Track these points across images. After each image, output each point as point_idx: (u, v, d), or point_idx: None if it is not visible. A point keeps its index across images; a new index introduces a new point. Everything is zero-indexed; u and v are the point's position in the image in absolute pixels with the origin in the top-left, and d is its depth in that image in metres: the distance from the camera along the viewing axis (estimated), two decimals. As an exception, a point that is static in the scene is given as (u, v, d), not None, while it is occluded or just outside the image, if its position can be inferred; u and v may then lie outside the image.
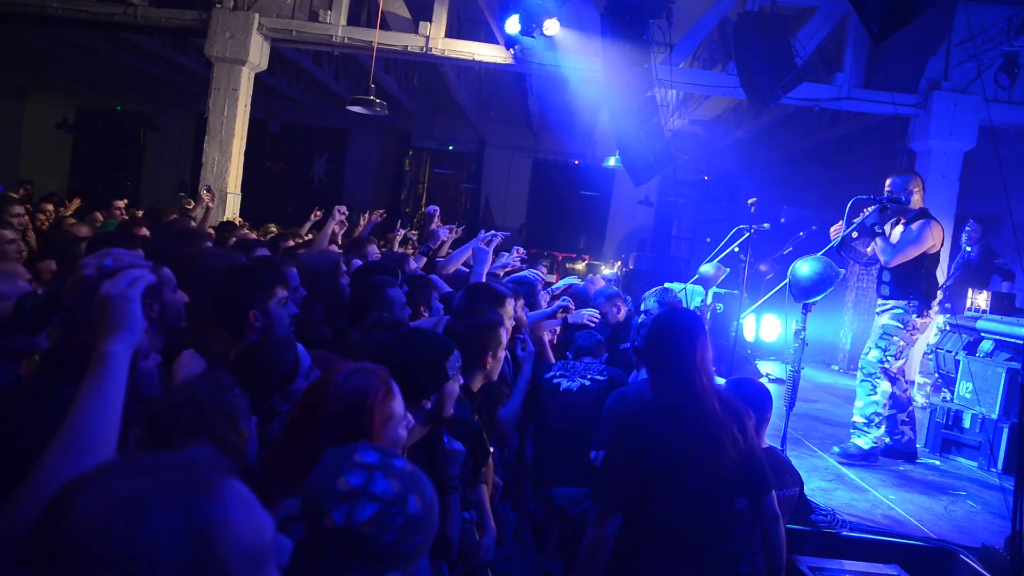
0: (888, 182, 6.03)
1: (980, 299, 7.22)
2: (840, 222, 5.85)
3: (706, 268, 8.00)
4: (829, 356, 11.55)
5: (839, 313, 11.49)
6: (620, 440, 2.93)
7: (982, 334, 6.86)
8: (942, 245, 6.05)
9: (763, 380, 9.22)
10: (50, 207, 8.96)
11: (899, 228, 6.00)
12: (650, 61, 9.28)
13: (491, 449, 3.37)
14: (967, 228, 8.84)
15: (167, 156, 21.05)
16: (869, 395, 5.93)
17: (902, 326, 5.90)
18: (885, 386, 5.90)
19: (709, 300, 8.32)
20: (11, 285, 2.14)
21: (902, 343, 5.92)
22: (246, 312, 2.86)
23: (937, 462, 6.20)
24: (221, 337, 2.95)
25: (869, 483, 5.29)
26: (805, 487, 4.70)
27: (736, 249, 8.01)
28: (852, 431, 6.00)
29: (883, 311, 6.11)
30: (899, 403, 6.01)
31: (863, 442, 5.88)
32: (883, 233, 5.95)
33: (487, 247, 4.79)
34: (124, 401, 1.54)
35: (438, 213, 6.80)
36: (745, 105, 14.55)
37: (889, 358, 5.90)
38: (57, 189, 16.77)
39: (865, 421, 5.90)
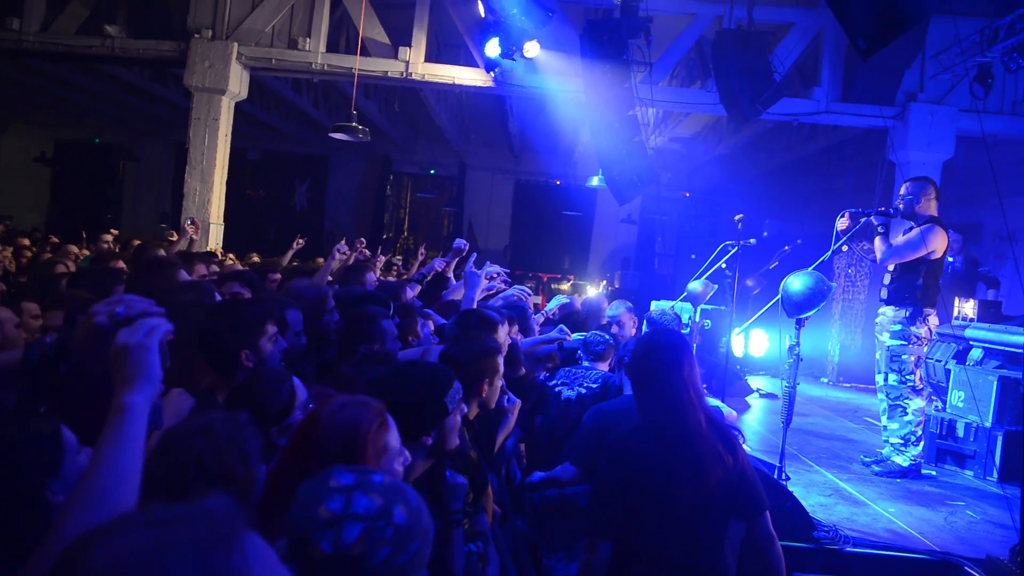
0: (904, 187, 6.09)
1: (967, 307, 7.25)
2: (844, 217, 5.87)
3: (694, 285, 8.00)
4: (818, 369, 11.57)
5: (827, 326, 11.53)
6: (606, 467, 2.88)
7: (971, 342, 6.88)
8: (944, 253, 6.07)
9: (754, 395, 9.25)
10: (26, 241, 8.88)
11: (909, 233, 6.04)
12: (630, 80, 9.33)
13: (489, 479, 3.33)
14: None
15: (147, 187, 20.94)
16: (902, 417, 5.96)
17: (905, 342, 5.92)
18: (916, 404, 5.95)
19: (697, 317, 8.32)
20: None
21: (912, 357, 5.95)
22: (237, 352, 2.79)
23: (933, 472, 6.19)
24: (207, 373, 2.88)
25: (868, 496, 5.27)
26: (804, 502, 4.70)
27: (723, 265, 8.03)
28: (888, 448, 6.03)
29: (881, 328, 6.13)
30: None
31: (902, 460, 5.93)
32: (884, 233, 5.98)
33: (478, 270, 4.78)
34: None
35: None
36: (725, 121, 14.70)
37: (908, 377, 5.94)
38: (36, 223, 16.66)
39: (902, 441, 5.94)
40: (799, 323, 4.69)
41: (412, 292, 5.29)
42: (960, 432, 6.33)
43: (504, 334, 3.54)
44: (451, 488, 2.65)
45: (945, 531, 4.68)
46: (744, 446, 3.05)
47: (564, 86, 10.09)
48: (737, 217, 6.93)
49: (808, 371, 11.42)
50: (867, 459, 6.16)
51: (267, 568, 0.95)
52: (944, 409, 6.72)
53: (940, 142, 10.27)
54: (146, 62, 11.46)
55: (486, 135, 19.31)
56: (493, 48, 9.14)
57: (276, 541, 1.73)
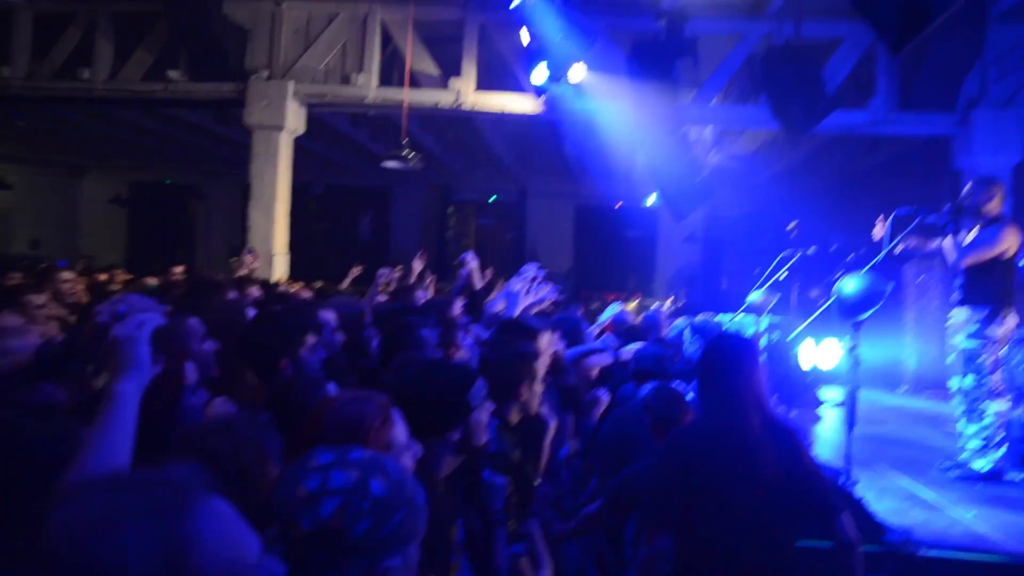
0: (968, 187, 5.95)
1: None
2: (880, 223, 5.75)
3: (754, 296, 7.92)
4: (895, 379, 11.21)
5: (901, 334, 11.19)
6: (666, 459, 2.97)
7: (1052, 345, 6.61)
8: (1017, 252, 5.88)
9: (826, 406, 8.99)
10: (103, 277, 9.27)
11: (973, 233, 5.88)
12: (679, 99, 9.32)
13: (537, 483, 3.34)
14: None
15: (217, 224, 21.59)
16: (980, 421, 5.76)
17: (982, 342, 5.73)
18: (995, 407, 5.74)
19: (762, 328, 8.19)
20: (22, 341, 2.20)
21: (990, 359, 5.75)
22: (277, 359, 2.92)
23: (1017, 478, 5.92)
24: (251, 383, 2.99)
25: (945, 502, 5.08)
26: (876, 507, 4.56)
27: (783, 275, 7.93)
28: (967, 453, 5.83)
29: (955, 330, 5.94)
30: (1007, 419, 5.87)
31: (981, 465, 5.71)
32: (955, 232, 5.82)
33: (518, 285, 4.83)
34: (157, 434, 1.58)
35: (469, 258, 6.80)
36: (783, 138, 14.49)
37: (984, 379, 5.73)
38: (116, 262, 17.27)
39: (982, 444, 5.73)
40: (856, 325, 4.60)
41: (459, 308, 5.35)
42: (1045, 435, 6.05)
43: (546, 342, 3.56)
44: (489, 488, 2.68)
45: (1025, 537, 4.47)
46: None
47: (614, 108, 10.09)
48: (790, 226, 6.82)
49: (884, 381, 11.07)
50: (946, 464, 5.94)
51: (225, 533, 0.99)
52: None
53: (1007, 146, 9.99)
54: (208, 103, 11.89)
55: (544, 161, 19.37)
56: (540, 74, 9.23)
57: None
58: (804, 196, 16.61)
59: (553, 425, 3.70)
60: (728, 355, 2.95)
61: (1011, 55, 9.51)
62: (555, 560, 3.49)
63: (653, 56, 8.89)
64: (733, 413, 2.85)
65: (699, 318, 5.06)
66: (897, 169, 13.57)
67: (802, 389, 8.41)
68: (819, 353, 10.57)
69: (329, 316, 3.91)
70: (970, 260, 5.73)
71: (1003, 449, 5.73)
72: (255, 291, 5.62)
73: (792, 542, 2.85)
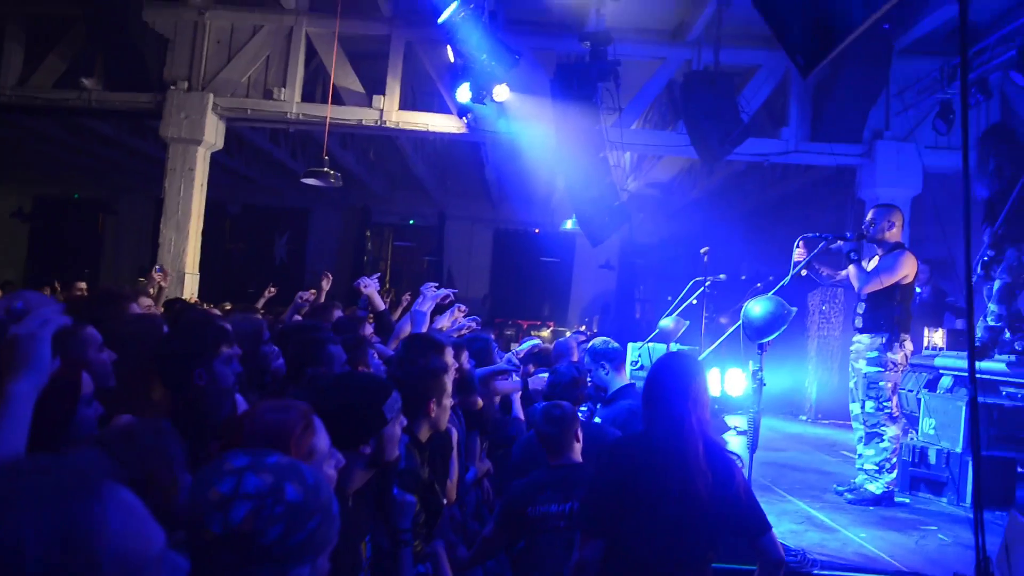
0: (870, 214, 6.20)
1: (936, 337, 7.31)
2: (799, 247, 5.95)
3: (666, 322, 8.02)
4: (796, 407, 11.57)
5: (803, 363, 11.56)
6: (603, 466, 2.99)
7: (940, 371, 6.93)
8: (915, 279, 6.15)
9: (731, 433, 9.21)
10: None
11: (875, 260, 6.11)
12: (600, 123, 9.49)
13: (444, 502, 3.30)
14: None
15: (127, 242, 20.92)
16: (878, 444, 5.96)
17: (882, 369, 5.95)
18: (892, 431, 5.96)
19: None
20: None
21: (889, 384, 5.98)
22: (191, 371, 2.80)
23: (907, 500, 6.18)
24: (156, 397, 2.88)
25: (839, 523, 5.25)
26: (775, 530, 4.67)
27: (694, 301, 8.06)
28: (862, 476, 6.03)
29: (857, 355, 6.15)
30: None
31: (875, 487, 5.92)
32: (857, 260, 6.05)
33: (424, 305, 4.81)
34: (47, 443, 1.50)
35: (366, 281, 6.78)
36: (699, 165, 14.88)
37: (884, 404, 5.95)
38: (13, 279, 16.54)
39: (876, 468, 5.94)
40: (761, 348, 4.71)
41: (368, 328, 5.30)
42: (932, 459, 6.33)
43: (451, 357, 3.53)
44: (399, 505, 2.63)
45: (916, 554, 4.66)
46: None
47: (536, 130, 10.21)
48: (703, 250, 6.98)
49: (786, 409, 11.42)
50: (840, 488, 6.14)
51: (130, 523, 0.94)
52: (916, 437, 6.72)
53: (907, 178, 10.42)
54: (123, 114, 11.54)
55: (464, 185, 19.47)
56: (464, 93, 9.28)
57: None
58: (719, 224, 17.07)
59: (455, 437, 3.67)
60: (676, 377, 2.98)
61: (912, 89, 9.99)
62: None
63: (576, 78, 9.04)
64: (675, 434, 2.88)
65: (597, 341, 5.11)
66: (809, 198, 14.08)
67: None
68: (726, 381, 10.81)
69: (257, 325, 3.84)
70: (873, 286, 5.96)
71: (895, 473, 5.96)
72: (145, 301, 5.43)
73: (710, 562, 2.93)
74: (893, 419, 5.97)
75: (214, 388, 2.59)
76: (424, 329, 4.70)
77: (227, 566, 1.31)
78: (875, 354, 5.98)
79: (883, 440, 5.93)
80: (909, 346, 6.07)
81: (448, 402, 3.14)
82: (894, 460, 5.96)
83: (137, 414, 2.67)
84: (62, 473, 0.92)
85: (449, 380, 3.18)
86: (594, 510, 2.93)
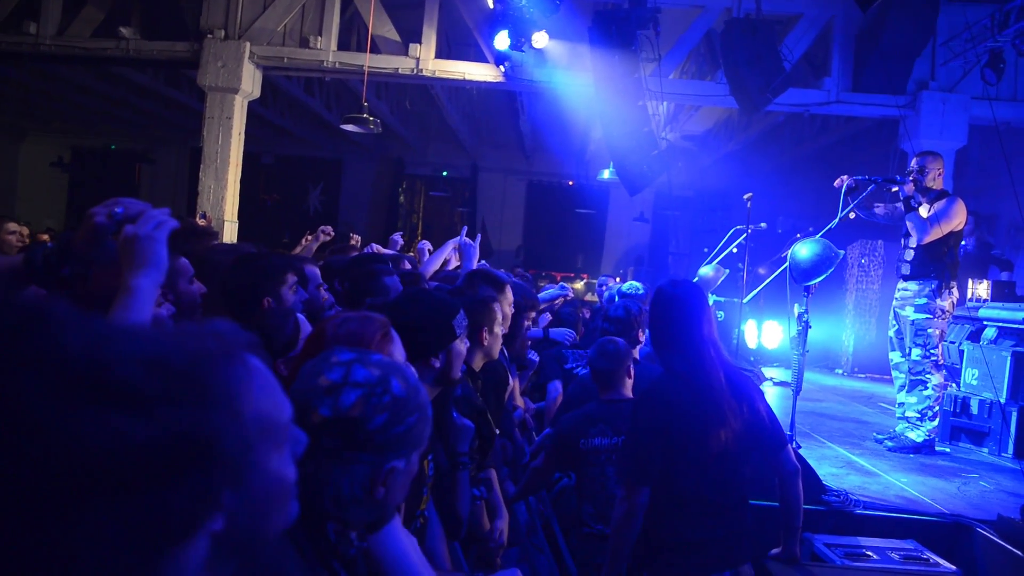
0: (915, 160, 6.13)
1: (980, 289, 7.23)
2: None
3: (705, 270, 8.01)
4: (832, 360, 11.53)
5: (841, 316, 11.49)
6: (642, 414, 2.98)
7: (984, 322, 6.85)
8: (966, 224, 6.09)
9: (768, 384, 9.23)
10: (44, 236, 9.04)
11: (924, 207, 6.04)
12: (639, 71, 9.37)
13: (496, 432, 3.36)
14: None
15: (163, 192, 21.10)
16: (922, 391, 5.94)
17: (931, 315, 5.91)
18: (936, 379, 5.93)
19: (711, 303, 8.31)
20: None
21: (937, 331, 5.94)
22: (260, 298, 2.89)
23: (948, 450, 6.16)
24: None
25: (880, 469, 5.27)
26: (818, 472, 4.71)
27: (735, 250, 8.02)
28: (903, 424, 6.02)
29: (903, 302, 6.11)
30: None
31: (916, 435, 5.91)
32: (917, 208, 5.99)
33: (471, 241, 4.86)
34: None
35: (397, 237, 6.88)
36: (736, 117, 14.69)
37: (932, 351, 5.92)
38: (54, 227, 16.81)
39: (919, 416, 5.92)
40: (807, 290, 4.70)
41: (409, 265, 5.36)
42: (974, 409, 6.30)
43: (511, 294, 3.58)
44: (458, 429, 2.69)
45: (958, 498, 4.67)
46: None
47: (574, 79, 10.11)
48: (746, 196, 6.91)
49: (823, 363, 11.38)
50: (880, 436, 6.15)
51: (268, 386, 0.99)
52: (959, 388, 6.69)
53: (952, 131, 10.23)
54: (160, 63, 11.58)
55: (498, 136, 19.38)
56: (502, 40, 9.19)
57: None
58: (755, 178, 16.87)
59: (513, 383, 3.73)
60: (685, 306, 2.95)
61: (960, 38, 9.75)
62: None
63: (615, 25, 8.92)
64: (698, 368, 2.88)
65: (626, 285, 5.14)
66: (848, 151, 13.88)
67: (745, 368, 8.59)
68: (762, 333, 10.81)
69: (313, 271, 3.85)
70: (933, 235, 5.88)
71: (936, 421, 5.94)
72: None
73: (745, 480, 2.98)
74: (938, 367, 5.95)
75: (279, 310, 2.66)
76: (474, 262, 4.76)
77: (330, 451, 1.37)
78: (924, 300, 5.93)
79: (927, 388, 5.90)
80: (956, 293, 6.02)
81: (499, 331, 3.18)
82: (936, 408, 5.94)
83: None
84: (210, 337, 0.96)
85: (499, 310, 3.23)
86: (641, 461, 2.91)
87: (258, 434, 0.96)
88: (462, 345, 2.52)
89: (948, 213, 5.86)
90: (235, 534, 0.97)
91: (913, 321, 5.99)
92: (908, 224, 6.03)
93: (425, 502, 2.27)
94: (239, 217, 11.08)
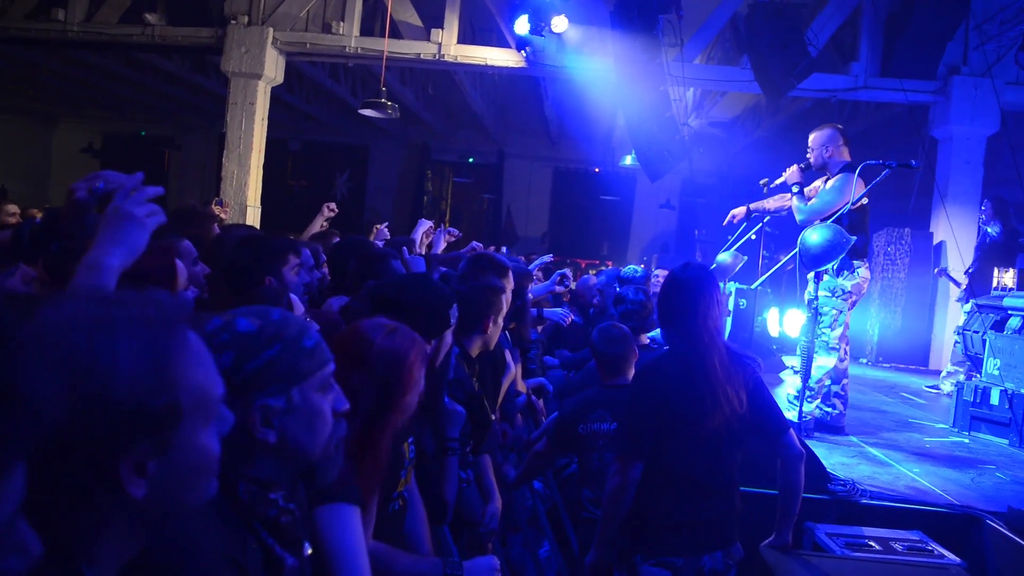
0: (811, 138, 5.83)
1: (1007, 277, 7.10)
2: (794, 166, 5.71)
3: (723, 257, 7.88)
4: (856, 350, 11.33)
5: (866, 306, 11.31)
6: (640, 389, 3.00)
7: (1009, 311, 6.71)
8: (867, 198, 5.73)
9: (787, 372, 9.11)
10: (36, 212, 9.17)
11: (795, 196, 5.77)
12: (661, 56, 9.27)
13: (493, 418, 3.35)
14: (981, 208, 8.58)
15: (191, 177, 21.36)
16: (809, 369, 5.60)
17: (830, 294, 5.39)
18: (823, 360, 5.43)
19: (731, 291, 8.21)
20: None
21: (835, 311, 5.43)
22: (262, 279, 2.91)
23: (966, 440, 6.05)
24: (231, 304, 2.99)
25: (893, 459, 5.17)
26: (826, 462, 4.64)
27: (753, 237, 7.90)
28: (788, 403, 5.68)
29: (810, 280, 5.73)
30: (837, 375, 5.58)
31: (791, 415, 5.55)
32: (800, 192, 5.75)
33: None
34: None
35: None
36: (763, 104, 14.49)
37: (824, 330, 5.41)
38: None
39: (796, 394, 5.41)
40: (818, 277, 4.61)
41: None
42: (994, 400, 6.17)
43: (512, 280, 3.57)
44: (448, 414, 2.69)
45: (970, 490, 4.57)
46: None
47: (595, 64, 10.03)
48: (762, 181, 6.76)
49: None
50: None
51: (202, 360, 1.02)
52: (980, 377, 6.56)
53: (984, 116, 10.03)
54: (185, 49, 11.70)
55: (523, 122, 19.31)
56: (522, 25, 9.14)
57: None
58: (782, 165, 16.66)
59: (514, 369, 3.72)
60: (686, 293, 2.97)
61: (993, 21, 9.52)
62: (506, 505, 3.53)
63: (636, 9, 8.82)
64: (696, 348, 2.90)
65: (627, 268, 5.09)
66: (877, 139, 13.65)
67: (767, 354, 8.49)
68: (784, 322, 10.67)
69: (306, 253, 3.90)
70: (816, 217, 5.44)
71: (816, 403, 5.50)
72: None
73: (736, 465, 3.00)
74: (830, 349, 5.42)
75: (274, 289, 2.68)
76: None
77: None
78: (827, 277, 5.29)
79: (812, 367, 5.37)
80: (864, 273, 5.53)
81: (502, 321, 3.18)
82: (819, 390, 5.49)
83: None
84: (150, 306, 0.98)
85: (505, 301, 3.23)
86: (636, 435, 2.93)
87: (191, 405, 0.97)
88: (449, 336, 2.54)
89: (839, 190, 5.43)
90: (156, 503, 0.98)
91: (810, 300, 5.38)
92: (793, 208, 5.70)
93: (403, 484, 2.25)
94: (266, 203, 11.17)
